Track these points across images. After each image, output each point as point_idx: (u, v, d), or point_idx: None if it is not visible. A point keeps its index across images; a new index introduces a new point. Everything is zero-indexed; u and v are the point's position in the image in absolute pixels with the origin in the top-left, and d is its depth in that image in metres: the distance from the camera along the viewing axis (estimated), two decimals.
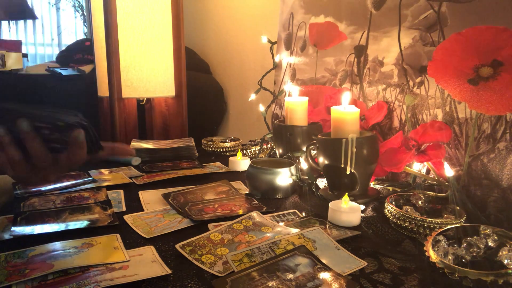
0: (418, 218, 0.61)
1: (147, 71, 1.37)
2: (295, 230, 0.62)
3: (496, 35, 0.71)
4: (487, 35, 0.72)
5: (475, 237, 0.55)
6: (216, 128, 1.94)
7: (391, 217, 0.66)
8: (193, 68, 1.79)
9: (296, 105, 0.96)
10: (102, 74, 1.47)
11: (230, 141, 1.24)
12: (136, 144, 1.18)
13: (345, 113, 0.78)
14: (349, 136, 0.74)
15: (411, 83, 0.87)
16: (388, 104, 0.91)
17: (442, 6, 0.81)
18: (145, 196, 0.81)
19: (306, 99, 0.96)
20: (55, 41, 4.04)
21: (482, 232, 0.55)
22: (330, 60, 1.08)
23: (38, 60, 3.93)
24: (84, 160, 0.52)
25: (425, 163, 0.79)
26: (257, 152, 1.17)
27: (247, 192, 0.84)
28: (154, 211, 0.73)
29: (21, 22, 3.88)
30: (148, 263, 0.53)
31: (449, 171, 0.69)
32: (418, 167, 0.81)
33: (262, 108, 1.17)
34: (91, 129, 0.51)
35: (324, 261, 0.52)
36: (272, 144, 1.17)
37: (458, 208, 0.65)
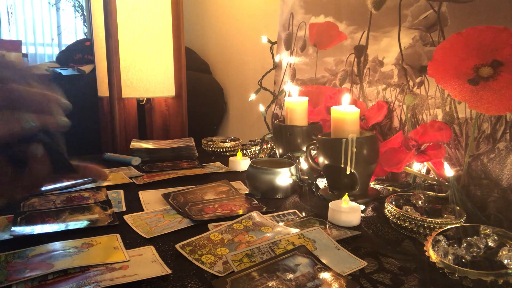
0: (418, 218, 0.61)
1: (147, 71, 1.37)
2: (295, 230, 0.62)
3: (496, 35, 0.71)
4: (487, 35, 0.72)
5: (475, 237, 0.55)
6: (216, 128, 1.94)
7: (391, 217, 0.66)
8: (193, 68, 1.79)
9: (296, 105, 0.96)
10: (102, 74, 1.47)
11: (230, 141, 1.24)
12: (136, 144, 1.18)
13: (345, 113, 0.78)
14: (349, 136, 0.74)
15: (411, 83, 0.87)
16: (388, 104, 0.91)
17: (442, 6, 0.81)
18: (145, 196, 0.81)
19: (306, 99, 0.96)
20: (55, 41, 4.04)
21: (482, 232, 0.55)
22: (330, 60, 1.08)
23: (38, 60, 3.94)
24: (48, 177, 0.47)
25: (425, 163, 0.79)
26: (257, 152, 1.17)
27: (247, 192, 0.84)
28: (154, 211, 0.73)
29: (21, 22, 3.88)
30: (148, 263, 0.53)
31: (449, 171, 0.69)
32: (418, 167, 0.81)
33: (262, 108, 1.17)
34: (56, 147, 0.47)
35: (324, 261, 0.52)
36: (272, 144, 1.17)
37: (458, 208, 0.65)
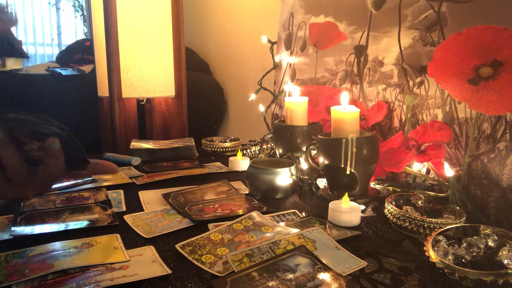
0: (418, 218, 0.61)
1: (147, 71, 1.37)
2: (295, 230, 0.62)
3: (496, 35, 0.71)
4: (487, 35, 0.72)
5: (475, 237, 0.55)
6: (216, 128, 1.94)
7: (391, 217, 0.66)
8: (193, 68, 1.79)
9: (296, 105, 0.96)
10: (102, 74, 1.47)
11: (230, 141, 1.24)
12: (136, 144, 1.18)
13: (345, 113, 0.78)
14: (349, 136, 0.74)
15: (411, 83, 0.87)
16: (388, 104, 0.91)
17: (442, 6, 0.81)
18: (145, 196, 0.81)
19: (306, 99, 0.96)
20: (55, 41, 4.04)
21: (482, 232, 0.55)
22: (330, 60, 1.08)
23: (38, 60, 3.94)
24: (62, 173, 0.46)
25: (425, 163, 0.79)
26: (257, 152, 1.17)
27: (247, 192, 0.84)
28: (154, 211, 0.73)
29: (21, 22, 3.87)
30: (148, 263, 0.53)
31: (449, 171, 0.69)
32: (418, 167, 0.81)
33: (262, 108, 1.17)
34: (73, 141, 0.46)
35: (324, 261, 0.52)
36: (272, 144, 1.17)
37: (458, 208, 0.65)
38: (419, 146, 0.77)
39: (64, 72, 1.63)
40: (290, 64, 1.23)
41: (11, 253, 0.55)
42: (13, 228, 0.63)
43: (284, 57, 1.26)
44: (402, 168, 0.77)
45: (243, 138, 1.29)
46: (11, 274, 0.49)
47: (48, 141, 0.44)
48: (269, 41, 1.31)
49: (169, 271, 0.51)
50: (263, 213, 0.70)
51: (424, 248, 0.54)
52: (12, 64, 1.69)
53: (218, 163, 1.09)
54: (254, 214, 0.68)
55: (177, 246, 0.57)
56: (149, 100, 1.48)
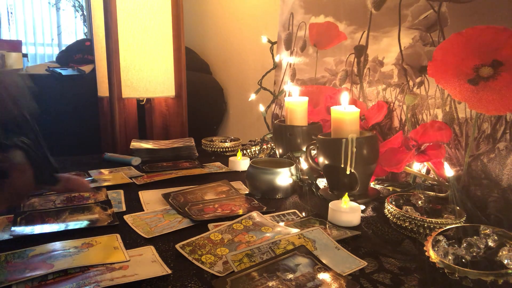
0: (418, 218, 0.61)
1: (147, 71, 1.37)
2: (295, 230, 0.62)
3: (496, 35, 0.71)
4: (487, 35, 0.72)
5: (475, 237, 0.55)
6: (216, 128, 1.94)
7: (391, 217, 0.66)
8: (193, 68, 1.79)
9: (296, 105, 0.96)
10: (102, 74, 1.47)
11: (230, 141, 1.24)
12: (136, 144, 1.18)
13: (345, 113, 0.78)
14: (349, 136, 0.74)
15: (411, 83, 0.87)
16: (388, 104, 0.91)
17: (442, 6, 0.81)
18: (145, 196, 0.81)
19: (306, 99, 0.96)
20: (55, 41, 4.04)
21: (482, 232, 0.55)
22: (330, 60, 1.08)
23: (38, 60, 3.94)
24: (31, 187, 0.45)
25: (425, 163, 0.79)
26: (257, 152, 1.17)
27: (247, 192, 0.84)
28: (154, 211, 0.73)
29: (21, 22, 3.88)
30: (148, 263, 0.53)
31: (449, 171, 0.69)
32: (418, 167, 0.81)
33: (262, 108, 1.17)
34: (37, 154, 0.45)
35: (324, 261, 0.52)
36: (272, 144, 1.17)
37: (458, 208, 0.65)
38: (419, 146, 0.77)
39: (64, 72, 1.63)
40: (290, 64, 1.23)
41: (11, 253, 0.55)
42: (13, 228, 0.63)
43: (284, 57, 1.26)
44: (402, 168, 0.77)
45: (243, 138, 1.29)
46: (11, 274, 0.49)
47: (11, 153, 0.43)
48: (269, 41, 1.31)
49: (169, 271, 0.51)
50: (263, 213, 0.70)
51: (424, 248, 0.54)
52: (12, 64, 1.69)
53: (218, 163, 1.09)
54: (254, 214, 0.68)
55: (177, 246, 0.57)
56: (149, 100, 1.48)
